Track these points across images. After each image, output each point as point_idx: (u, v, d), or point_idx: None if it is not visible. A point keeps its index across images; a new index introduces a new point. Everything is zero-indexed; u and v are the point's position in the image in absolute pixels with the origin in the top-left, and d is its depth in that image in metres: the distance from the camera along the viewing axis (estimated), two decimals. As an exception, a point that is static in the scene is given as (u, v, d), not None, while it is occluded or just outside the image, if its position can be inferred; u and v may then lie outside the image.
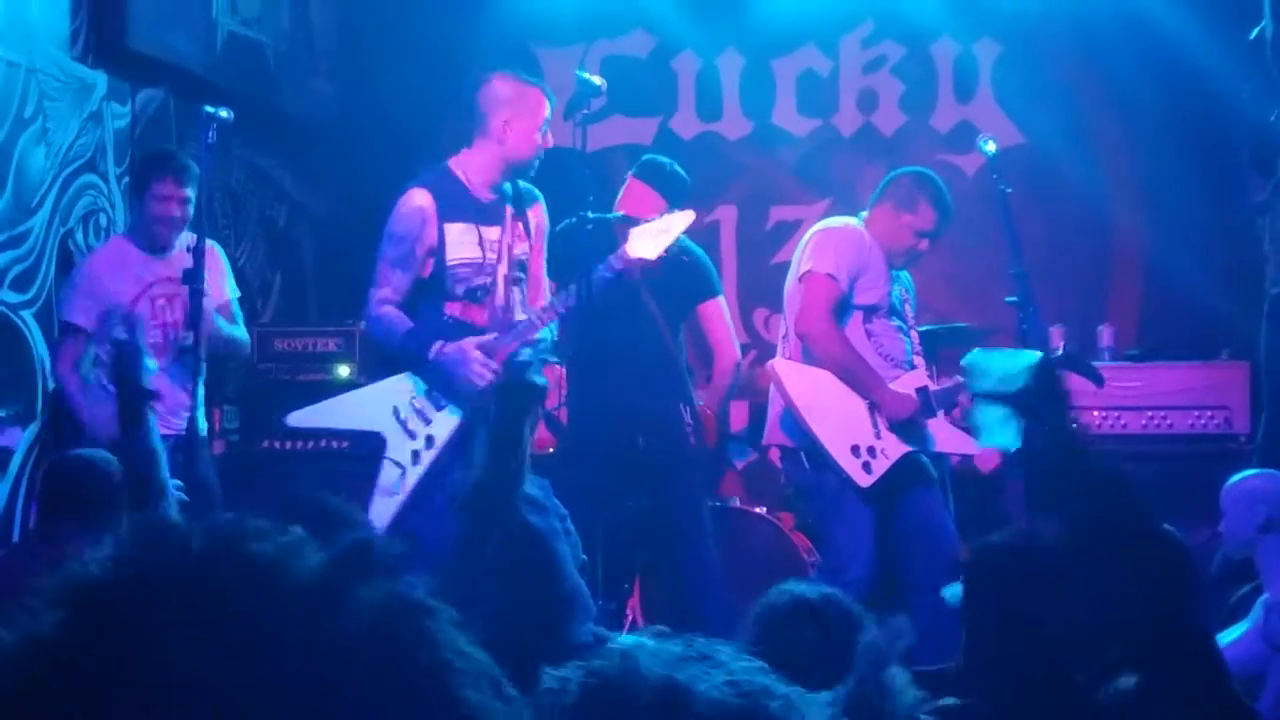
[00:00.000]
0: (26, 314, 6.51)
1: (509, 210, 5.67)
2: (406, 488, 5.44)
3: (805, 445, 6.01)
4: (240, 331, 6.50)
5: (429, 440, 5.50)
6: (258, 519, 1.05)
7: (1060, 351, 6.17)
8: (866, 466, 5.88)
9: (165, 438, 5.93)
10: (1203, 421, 7.27)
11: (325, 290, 9.09)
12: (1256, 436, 6.88)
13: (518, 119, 5.54)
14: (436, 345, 5.44)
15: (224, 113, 5.73)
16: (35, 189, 6.57)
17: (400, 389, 5.54)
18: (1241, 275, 8.10)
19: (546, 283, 5.84)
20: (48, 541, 4.51)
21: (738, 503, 7.19)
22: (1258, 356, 7.02)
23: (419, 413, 5.52)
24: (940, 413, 6.01)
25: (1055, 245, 8.53)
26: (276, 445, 7.38)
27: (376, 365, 5.94)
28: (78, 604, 0.99)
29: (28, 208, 6.53)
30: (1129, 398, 7.37)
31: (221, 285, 6.30)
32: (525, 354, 5.51)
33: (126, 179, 7.11)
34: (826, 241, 6.06)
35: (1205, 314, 8.21)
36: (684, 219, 5.65)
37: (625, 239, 5.81)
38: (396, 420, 5.52)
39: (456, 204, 5.57)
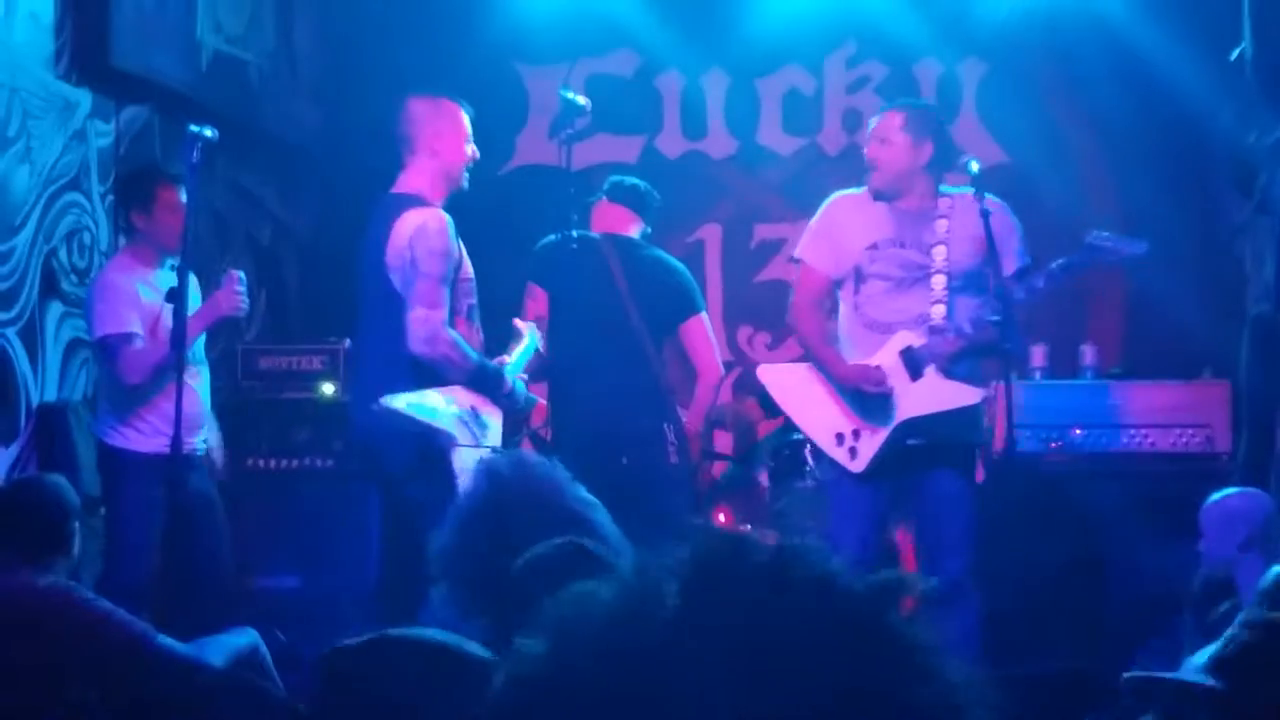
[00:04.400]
0: (10, 332, 6.50)
1: None
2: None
3: (810, 443, 6.06)
4: None
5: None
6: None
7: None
8: (853, 452, 5.74)
9: (154, 456, 6.00)
10: (1184, 440, 7.30)
11: (309, 309, 9.09)
12: (1237, 455, 6.90)
13: (445, 130, 5.61)
14: (508, 382, 5.55)
15: (209, 132, 5.72)
16: (19, 208, 6.57)
17: (461, 400, 5.51)
18: (1222, 294, 8.13)
19: None
20: None
21: (723, 521, 7.20)
22: (1239, 376, 7.04)
23: (480, 422, 5.54)
24: (931, 368, 5.69)
25: (1038, 264, 8.55)
26: (260, 464, 7.38)
27: (379, 380, 5.61)
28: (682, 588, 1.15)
29: (11, 227, 6.52)
30: (1111, 416, 7.39)
31: None
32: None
33: (111, 198, 7.12)
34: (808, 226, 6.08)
35: (1187, 333, 8.23)
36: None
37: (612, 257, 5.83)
38: (466, 427, 5.50)
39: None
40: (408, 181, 5.64)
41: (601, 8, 9.19)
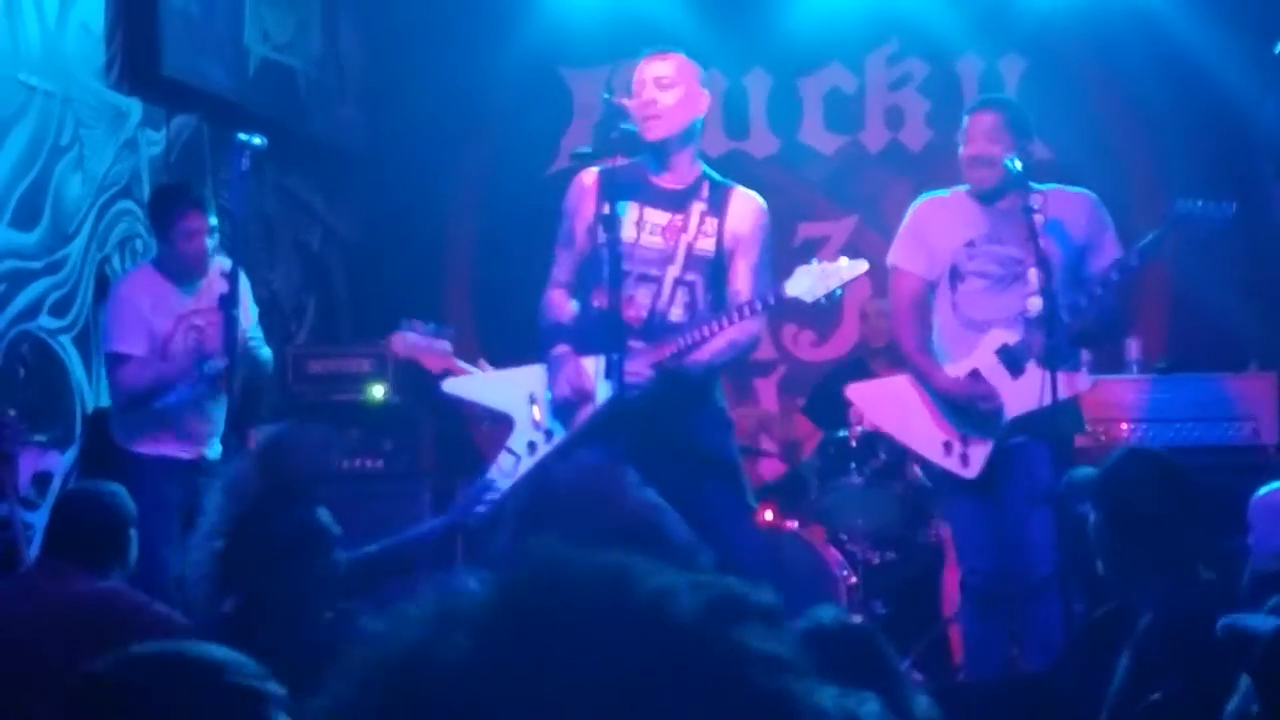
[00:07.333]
0: (65, 339, 6.60)
1: (698, 202, 5.62)
2: (519, 475, 5.40)
3: (916, 456, 6.02)
4: (266, 352, 6.65)
5: (548, 434, 5.52)
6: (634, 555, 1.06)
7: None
8: (964, 459, 5.63)
9: (164, 459, 6.13)
10: (1231, 433, 7.27)
11: (358, 312, 9.17)
12: (1286, 448, 6.89)
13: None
14: (561, 347, 5.45)
15: (257, 140, 5.79)
16: (72, 216, 6.66)
17: (541, 376, 5.56)
18: (1268, 287, 8.12)
19: (746, 294, 5.45)
20: (48, 578, 4.46)
21: (770, 518, 7.22)
22: (1286, 367, 7.03)
23: (548, 403, 5.54)
24: (1032, 363, 5.51)
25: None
26: (311, 466, 7.44)
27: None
28: (479, 630, 1.02)
29: (65, 235, 6.62)
30: (1157, 410, 7.38)
31: (248, 307, 6.37)
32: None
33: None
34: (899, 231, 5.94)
35: (1232, 326, 8.22)
36: (855, 267, 5.30)
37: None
38: (528, 405, 5.54)
39: (628, 184, 5.51)
40: None
41: (643, 9, 9.23)
